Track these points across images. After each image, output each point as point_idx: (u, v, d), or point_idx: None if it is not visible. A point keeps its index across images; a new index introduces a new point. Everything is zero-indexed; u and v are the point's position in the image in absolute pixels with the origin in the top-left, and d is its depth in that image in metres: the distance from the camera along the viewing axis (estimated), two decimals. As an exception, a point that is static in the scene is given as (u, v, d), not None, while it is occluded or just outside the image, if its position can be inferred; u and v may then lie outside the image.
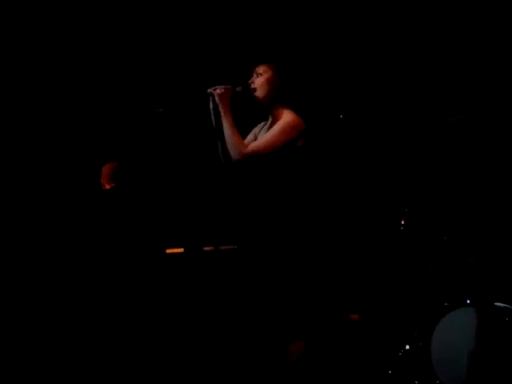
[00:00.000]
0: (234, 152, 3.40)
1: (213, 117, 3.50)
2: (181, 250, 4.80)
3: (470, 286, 3.83)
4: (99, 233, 4.52)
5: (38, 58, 5.14)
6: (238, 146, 3.39)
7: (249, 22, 5.04)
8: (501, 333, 3.55)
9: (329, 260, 4.51)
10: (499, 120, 4.29)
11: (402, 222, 4.06)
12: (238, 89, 3.49)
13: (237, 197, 3.87)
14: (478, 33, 4.55)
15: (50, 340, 4.39)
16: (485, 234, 3.94)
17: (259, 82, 3.48)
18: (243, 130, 3.59)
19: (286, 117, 3.41)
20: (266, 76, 3.48)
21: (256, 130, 3.64)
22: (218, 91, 3.43)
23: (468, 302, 3.69)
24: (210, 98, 3.48)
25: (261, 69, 3.50)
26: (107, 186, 4.69)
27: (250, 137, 3.62)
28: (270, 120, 3.54)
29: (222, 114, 3.43)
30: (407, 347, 3.87)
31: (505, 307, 3.59)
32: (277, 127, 3.39)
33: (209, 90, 3.48)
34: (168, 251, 4.78)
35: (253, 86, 3.49)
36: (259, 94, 3.48)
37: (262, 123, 3.63)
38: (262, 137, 3.48)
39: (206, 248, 4.80)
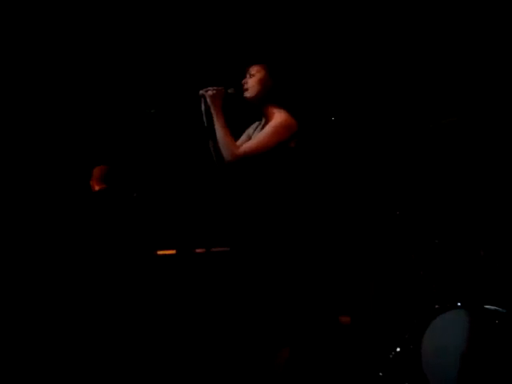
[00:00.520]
0: (226, 153, 3.39)
1: (205, 118, 3.50)
2: (172, 251, 4.79)
3: (460, 289, 3.83)
4: (90, 234, 4.51)
5: (29, 56, 5.12)
6: (230, 147, 3.38)
7: (241, 23, 5.04)
8: (491, 335, 3.55)
9: (320, 262, 4.51)
10: (492, 122, 4.30)
11: (394, 224, 4.06)
12: (230, 90, 3.49)
13: (229, 198, 3.86)
14: (470, 35, 4.55)
15: (42, 338, 4.38)
16: (476, 236, 3.95)
17: (252, 82, 3.48)
18: (236, 131, 3.58)
19: (279, 117, 3.41)
20: (258, 76, 3.48)
21: (250, 130, 3.64)
22: (210, 93, 3.43)
23: (459, 304, 3.69)
24: (202, 100, 3.48)
25: (254, 69, 3.50)
26: (96, 188, 4.68)
27: (243, 137, 3.62)
28: (264, 120, 3.54)
29: (214, 115, 3.42)
30: (398, 349, 3.87)
31: (495, 310, 3.60)
32: (269, 128, 3.39)
33: (201, 92, 3.47)
34: (159, 253, 4.77)
35: (245, 86, 3.49)
36: (251, 93, 3.48)
37: (256, 123, 3.63)
38: (255, 137, 3.48)
39: (198, 250, 4.79)
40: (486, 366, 3.53)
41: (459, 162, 4.33)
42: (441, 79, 4.66)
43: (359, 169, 4.77)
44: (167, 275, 4.68)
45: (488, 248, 3.87)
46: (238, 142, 3.55)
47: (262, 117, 3.56)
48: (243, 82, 3.51)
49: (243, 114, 3.62)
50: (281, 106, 3.47)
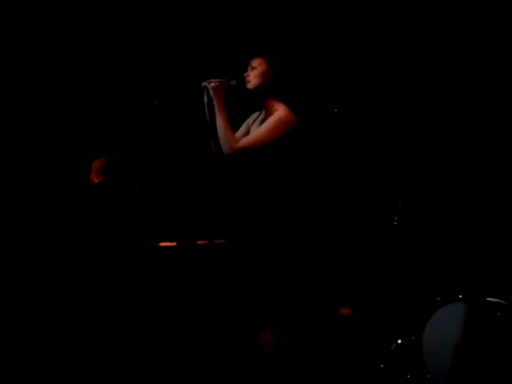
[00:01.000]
0: (225, 146, 3.40)
1: (207, 110, 3.50)
2: (173, 243, 4.80)
3: (462, 281, 3.84)
4: (91, 227, 4.51)
5: (28, 52, 5.11)
6: (230, 141, 3.39)
7: (244, 16, 5.03)
8: (492, 328, 3.57)
9: (322, 255, 4.52)
10: (493, 115, 4.30)
11: (396, 217, 4.07)
12: (233, 82, 3.49)
13: (230, 191, 3.87)
14: (471, 29, 4.55)
15: (42, 337, 4.39)
16: (478, 229, 3.95)
17: (253, 75, 3.48)
18: (237, 123, 3.59)
19: (279, 112, 3.41)
20: (260, 69, 3.48)
21: (249, 120, 3.65)
22: (213, 84, 3.43)
23: (460, 296, 3.70)
24: (205, 92, 3.48)
25: (256, 62, 3.50)
26: (96, 180, 4.68)
27: (243, 127, 3.63)
28: (264, 112, 3.54)
29: (216, 107, 3.43)
30: (399, 341, 3.89)
31: (497, 302, 3.61)
32: (268, 123, 3.39)
33: (203, 84, 3.48)
34: (161, 245, 4.77)
35: (247, 79, 3.49)
36: (252, 85, 3.48)
37: (256, 114, 3.63)
38: (254, 131, 3.49)
39: (199, 242, 4.80)
40: (486, 358, 3.55)
41: (461, 155, 4.34)
42: (442, 72, 4.65)
43: (360, 160, 4.78)
44: (168, 267, 4.69)
45: (490, 240, 3.88)
46: (238, 133, 3.56)
47: (263, 108, 3.56)
48: (245, 74, 3.51)
49: (244, 107, 3.62)
50: (282, 99, 3.48)
